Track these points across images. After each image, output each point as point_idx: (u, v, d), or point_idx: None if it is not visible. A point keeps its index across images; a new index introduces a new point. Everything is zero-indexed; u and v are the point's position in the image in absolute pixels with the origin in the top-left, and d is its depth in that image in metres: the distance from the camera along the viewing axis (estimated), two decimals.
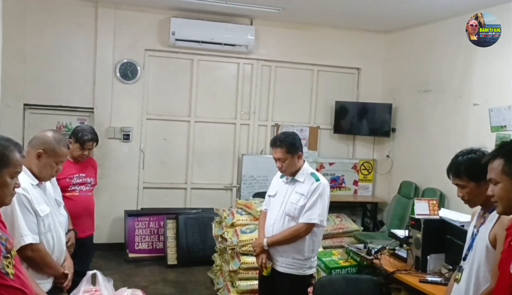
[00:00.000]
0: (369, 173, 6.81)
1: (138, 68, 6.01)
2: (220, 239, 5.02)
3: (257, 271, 4.54)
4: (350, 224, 5.49)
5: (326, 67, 6.69)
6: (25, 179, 2.44)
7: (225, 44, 6.05)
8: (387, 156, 6.57)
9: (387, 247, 3.67)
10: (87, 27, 5.83)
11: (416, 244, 3.32)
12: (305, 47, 6.50)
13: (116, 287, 3.10)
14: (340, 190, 6.76)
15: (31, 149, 2.55)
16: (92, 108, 5.93)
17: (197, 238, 5.90)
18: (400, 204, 5.85)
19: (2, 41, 4.25)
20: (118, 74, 5.94)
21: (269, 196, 3.40)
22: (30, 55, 5.67)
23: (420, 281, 3.05)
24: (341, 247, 4.45)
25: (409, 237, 3.43)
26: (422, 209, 3.37)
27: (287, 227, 3.17)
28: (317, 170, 6.59)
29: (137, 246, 5.96)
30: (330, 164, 6.72)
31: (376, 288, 3.28)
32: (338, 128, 6.70)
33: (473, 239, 2.27)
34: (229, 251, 4.74)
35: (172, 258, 5.85)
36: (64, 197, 3.70)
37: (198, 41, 5.96)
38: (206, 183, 6.46)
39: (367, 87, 6.77)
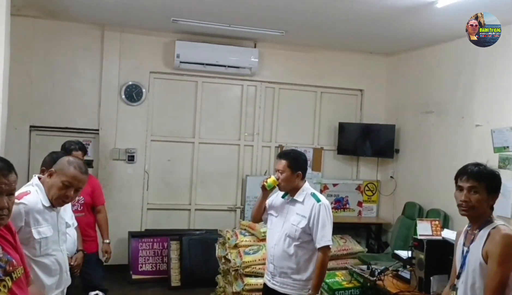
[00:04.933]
0: (373, 194, 6.80)
1: (143, 90, 6.09)
2: (223, 260, 5.01)
3: (260, 293, 4.54)
4: (354, 245, 5.45)
5: (329, 89, 6.75)
6: (37, 197, 2.49)
7: (229, 67, 6.13)
8: (391, 177, 6.56)
9: (390, 268, 3.66)
10: (93, 50, 5.94)
11: (419, 265, 3.30)
12: (309, 69, 6.58)
13: None
14: (344, 211, 6.74)
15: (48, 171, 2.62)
16: (97, 130, 5.99)
17: (200, 259, 5.87)
18: (404, 225, 5.82)
19: (10, 63, 4.32)
20: (123, 96, 6.01)
21: (271, 214, 3.35)
22: (37, 77, 5.77)
23: None
24: (345, 268, 4.43)
25: (412, 257, 3.42)
26: (424, 229, 3.36)
27: (288, 249, 3.14)
28: (321, 191, 6.61)
29: (141, 267, 5.94)
30: (334, 185, 6.72)
31: None
32: (342, 149, 6.72)
33: (464, 257, 2.30)
34: (233, 272, 4.73)
35: (175, 280, 5.82)
36: None
37: (202, 64, 6.04)
38: (210, 204, 6.47)
39: (370, 108, 6.81)
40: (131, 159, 6.05)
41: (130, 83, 6.04)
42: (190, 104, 6.36)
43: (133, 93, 6.05)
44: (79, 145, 4.16)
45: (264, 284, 3.35)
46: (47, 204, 2.52)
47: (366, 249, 5.90)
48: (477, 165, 2.38)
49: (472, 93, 5.15)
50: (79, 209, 4.03)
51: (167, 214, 6.32)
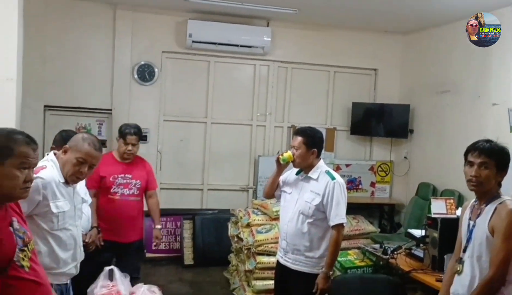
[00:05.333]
0: (387, 174, 6.76)
1: (156, 70, 6.08)
2: (236, 239, 5.04)
3: (273, 271, 4.57)
4: (367, 226, 5.44)
5: (343, 69, 6.68)
6: (53, 172, 2.49)
7: (241, 46, 6.08)
8: (405, 157, 6.51)
9: (403, 247, 3.64)
10: (106, 29, 5.92)
11: (432, 244, 3.29)
12: (322, 48, 6.50)
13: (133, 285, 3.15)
14: (357, 191, 6.72)
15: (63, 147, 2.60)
16: (110, 110, 6.01)
17: (213, 239, 5.92)
18: (417, 206, 5.79)
19: (23, 43, 4.33)
20: (135, 76, 6.01)
21: (284, 191, 3.33)
22: (50, 57, 5.78)
23: (437, 280, 3.02)
24: (358, 248, 4.42)
25: (425, 236, 3.40)
26: (439, 208, 3.33)
27: (301, 227, 3.12)
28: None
29: (154, 246, 5.99)
30: (347, 165, 6.68)
31: (391, 288, 3.26)
32: (355, 129, 6.67)
33: (470, 231, 2.35)
34: (245, 251, 4.75)
35: (188, 258, 5.88)
36: (104, 198, 3.83)
37: (214, 43, 6.00)
38: (222, 184, 6.49)
39: (384, 88, 6.73)
40: (144, 138, 6.03)
41: (143, 63, 6.03)
42: (202, 84, 6.34)
43: (145, 73, 6.04)
44: (135, 129, 3.92)
45: (277, 261, 3.34)
46: (62, 180, 2.52)
47: (379, 230, 5.88)
48: (488, 141, 2.39)
49: (489, 71, 5.05)
50: (135, 192, 3.94)
51: (180, 194, 6.35)
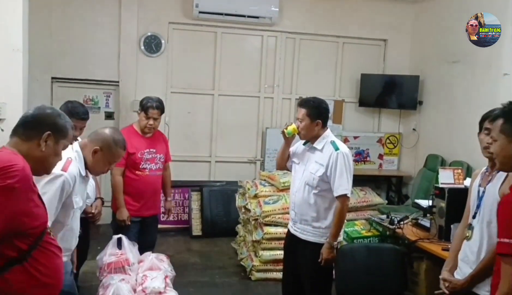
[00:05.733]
0: (395, 146, 6.72)
1: (162, 41, 6.03)
2: (243, 210, 5.07)
3: (280, 241, 4.62)
4: (374, 197, 5.45)
5: (351, 39, 6.57)
6: (77, 166, 2.46)
7: (249, 16, 6.00)
8: (414, 129, 6.46)
9: (410, 217, 3.65)
10: (112, 0, 5.86)
11: (439, 213, 3.28)
12: (330, 19, 6.39)
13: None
14: (364, 163, 6.71)
15: (89, 142, 2.55)
16: (118, 82, 6.00)
17: (221, 210, 5.97)
18: (425, 177, 5.77)
19: (29, 15, 4.31)
20: (142, 47, 5.97)
21: (294, 161, 3.32)
22: (56, 28, 5.75)
23: (443, 250, 3.02)
24: (365, 220, 4.44)
25: (432, 206, 3.39)
26: (446, 178, 3.31)
27: (308, 198, 3.12)
28: None
29: (163, 217, 6.05)
30: (355, 137, 6.65)
31: (398, 257, 3.28)
32: (364, 101, 6.61)
33: (480, 198, 2.32)
34: (252, 222, 4.79)
35: (196, 229, 5.95)
36: (132, 175, 3.76)
37: (221, 14, 5.93)
38: (230, 156, 6.49)
39: (394, 59, 6.63)
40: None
41: (149, 34, 5.98)
42: (209, 56, 6.29)
43: (152, 44, 6.00)
44: (157, 103, 3.77)
45: (288, 230, 3.37)
46: (84, 173, 2.52)
47: (386, 201, 5.90)
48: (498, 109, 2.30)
49: (501, 41, 4.91)
50: (160, 167, 3.88)
51: (188, 166, 6.37)
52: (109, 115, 6.10)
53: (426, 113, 6.26)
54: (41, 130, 1.97)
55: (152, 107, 3.70)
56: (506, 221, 1.84)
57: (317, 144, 3.14)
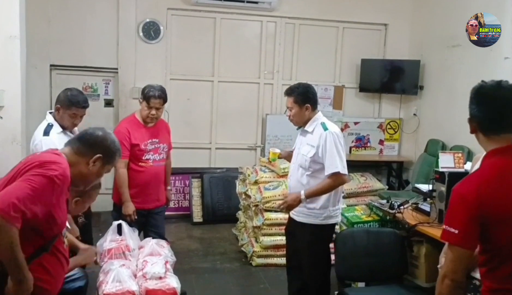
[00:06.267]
0: (395, 132, 6.71)
1: (161, 27, 5.99)
2: (244, 196, 5.08)
3: (281, 227, 4.62)
4: (374, 183, 5.47)
5: (351, 24, 6.53)
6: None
7: (248, 2, 5.97)
8: (414, 114, 6.44)
9: (410, 202, 3.64)
10: None
11: (439, 197, 3.27)
12: (330, 3, 6.35)
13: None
14: (365, 149, 6.69)
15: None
16: (117, 69, 5.97)
17: (221, 197, 5.98)
18: (426, 162, 5.76)
19: (26, 2, 4.27)
20: (141, 34, 5.93)
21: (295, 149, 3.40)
22: (54, 15, 5.71)
23: None
24: (366, 205, 4.43)
25: (432, 190, 3.37)
26: (446, 162, 3.29)
27: (301, 179, 3.19)
28: (342, 130, 6.53)
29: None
30: (355, 123, 6.63)
31: (397, 241, 3.28)
32: (364, 87, 6.58)
33: None
34: (253, 208, 4.80)
35: (197, 216, 5.96)
36: (135, 167, 3.60)
37: None
38: (230, 143, 6.48)
39: (394, 44, 6.59)
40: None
41: (148, 20, 5.94)
42: (208, 42, 6.25)
43: (150, 31, 5.96)
44: (159, 92, 3.56)
45: (289, 215, 3.41)
46: None
47: (387, 187, 5.90)
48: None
49: (502, 24, 4.88)
50: (164, 157, 3.76)
51: (188, 153, 6.36)
52: (108, 103, 6.08)
53: (427, 98, 6.23)
54: (94, 151, 2.14)
55: (154, 96, 3.53)
56: (450, 209, 1.86)
57: (308, 127, 3.22)
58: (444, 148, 5.63)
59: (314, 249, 3.21)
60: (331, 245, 4.62)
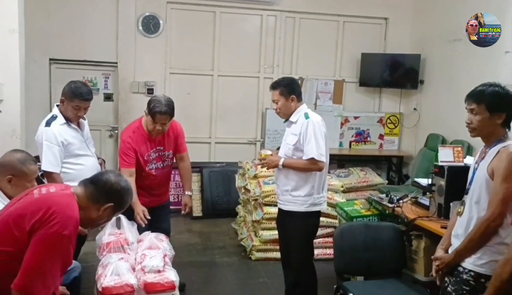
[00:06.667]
0: (395, 126, 6.69)
1: (161, 21, 5.97)
2: (243, 191, 5.08)
3: None
4: (374, 178, 5.45)
5: (352, 18, 6.50)
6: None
7: None
8: (414, 109, 6.42)
9: (409, 196, 3.64)
10: None
11: (439, 191, 3.26)
12: None
13: None
14: (365, 144, 6.68)
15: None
16: (116, 63, 5.96)
17: (221, 191, 5.98)
18: (426, 157, 5.75)
19: None
20: (140, 28, 5.92)
21: None
22: (54, 9, 5.70)
23: (442, 227, 3.01)
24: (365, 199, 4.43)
25: (432, 184, 3.37)
26: (446, 156, 3.29)
27: (287, 169, 3.28)
28: (342, 124, 6.55)
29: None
30: (355, 117, 6.62)
31: (396, 235, 3.28)
32: (364, 81, 6.56)
33: (473, 173, 2.36)
34: (252, 202, 4.80)
35: (197, 210, 5.96)
36: (141, 175, 3.51)
37: None
38: (230, 137, 6.48)
39: (395, 38, 6.56)
40: (150, 91, 6.02)
41: (147, 14, 5.93)
42: (208, 36, 6.23)
43: (150, 25, 5.94)
44: (166, 108, 3.27)
45: (278, 207, 3.50)
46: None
47: (386, 181, 5.90)
48: (483, 85, 2.35)
49: (504, 18, 4.87)
50: (169, 163, 3.64)
51: (188, 147, 6.27)
52: (108, 97, 6.07)
53: (427, 93, 6.22)
54: (107, 200, 2.13)
55: (160, 112, 3.27)
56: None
57: (293, 118, 3.32)
58: (444, 142, 5.62)
59: (301, 235, 3.32)
60: (330, 240, 4.69)
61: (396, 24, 6.54)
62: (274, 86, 3.34)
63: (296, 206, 3.27)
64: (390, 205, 3.54)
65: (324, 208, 3.43)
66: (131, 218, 3.26)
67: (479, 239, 2.24)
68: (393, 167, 6.70)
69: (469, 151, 5.01)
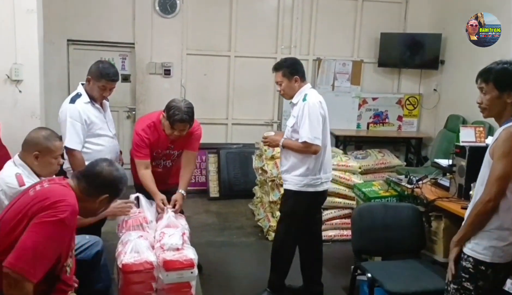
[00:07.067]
0: (415, 108, 6.60)
1: (177, 2, 5.94)
2: (260, 171, 5.07)
3: None
4: (392, 159, 5.40)
5: None
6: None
7: None
8: (434, 90, 6.32)
9: (429, 177, 3.59)
10: None
11: (460, 172, 3.21)
12: None
13: None
14: (383, 125, 6.61)
15: (25, 153, 2.64)
16: (133, 44, 5.96)
17: (238, 172, 6.00)
18: (446, 138, 5.67)
19: None
20: (157, 8, 5.89)
21: None
22: None
23: (462, 208, 2.97)
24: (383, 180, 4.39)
25: (452, 165, 3.32)
26: (467, 136, 3.23)
27: (285, 148, 3.34)
28: (360, 106, 6.48)
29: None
30: (374, 99, 6.54)
31: (416, 215, 3.24)
32: (383, 61, 6.46)
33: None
34: (269, 183, 4.80)
35: (214, 191, 5.99)
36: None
37: None
38: (247, 118, 6.46)
39: (415, 17, 6.43)
40: (167, 73, 6.04)
41: None
42: (225, 16, 6.18)
43: (167, 5, 5.91)
44: (185, 116, 3.14)
45: None
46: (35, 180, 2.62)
47: (405, 163, 5.83)
48: (494, 63, 2.28)
49: None
50: (177, 162, 3.53)
51: (205, 129, 6.05)
52: (125, 78, 6.07)
53: (448, 73, 6.10)
54: (101, 192, 2.18)
55: (179, 121, 3.15)
56: None
57: (294, 99, 3.34)
58: (464, 123, 5.52)
59: (287, 210, 3.40)
60: (346, 221, 4.68)
61: (416, 3, 6.41)
62: (277, 67, 3.35)
63: (291, 185, 3.34)
64: (409, 186, 3.50)
65: (320, 189, 3.37)
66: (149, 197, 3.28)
67: (476, 222, 2.16)
68: (411, 149, 6.63)
69: (490, 131, 4.91)
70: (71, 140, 3.22)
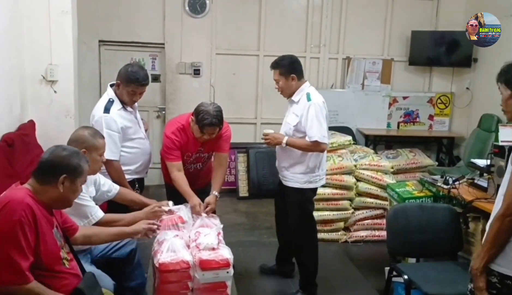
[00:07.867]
0: (446, 106, 6.47)
1: (207, 1, 5.96)
2: None
3: (328, 202, 4.61)
4: (424, 159, 5.30)
5: None
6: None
7: None
8: (467, 88, 6.19)
9: (466, 177, 3.52)
10: None
11: (498, 173, 3.12)
12: None
13: None
14: (414, 124, 6.51)
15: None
16: (163, 44, 6.01)
17: (267, 171, 5.98)
18: (479, 138, 5.55)
19: None
20: (187, 8, 5.92)
21: None
22: None
23: None
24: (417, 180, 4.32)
25: (491, 165, 3.23)
26: (507, 135, 3.14)
27: (285, 145, 3.36)
28: (390, 105, 6.40)
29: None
30: (404, 98, 6.45)
31: (453, 217, 3.18)
32: (414, 60, 6.36)
33: None
34: None
35: (243, 190, 6.00)
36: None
37: None
38: (275, 118, 6.38)
39: (447, 14, 6.30)
40: (197, 72, 6.07)
41: None
42: (254, 16, 6.18)
43: (196, 5, 5.94)
44: (215, 120, 3.10)
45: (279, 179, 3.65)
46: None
47: (436, 163, 5.73)
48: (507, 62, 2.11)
49: None
50: (207, 164, 3.54)
51: (234, 128, 6.07)
52: (155, 78, 6.12)
53: (481, 71, 5.96)
54: (57, 175, 2.10)
55: (209, 124, 3.11)
56: None
57: (295, 97, 3.39)
58: (499, 123, 5.39)
59: (298, 210, 3.49)
60: (378, 221, 4.63)
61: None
62: (274, 66, 3.40)
63: (292, 182, 3.43)
64: (445, 187, 3.43)
65: (318, 185, 3.52)
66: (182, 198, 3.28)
67: (496, 243, 1.95)
68: (442, 148, 6.51)
69: None
70: (110, 152, 3.12)
